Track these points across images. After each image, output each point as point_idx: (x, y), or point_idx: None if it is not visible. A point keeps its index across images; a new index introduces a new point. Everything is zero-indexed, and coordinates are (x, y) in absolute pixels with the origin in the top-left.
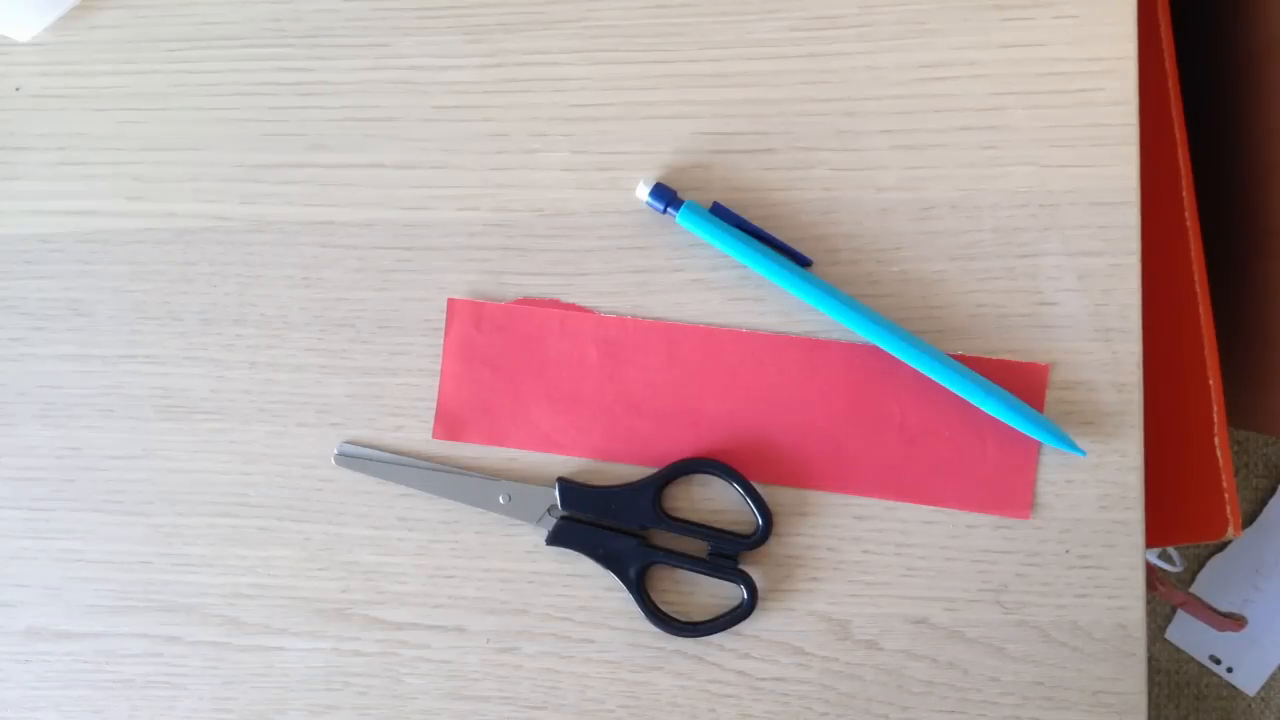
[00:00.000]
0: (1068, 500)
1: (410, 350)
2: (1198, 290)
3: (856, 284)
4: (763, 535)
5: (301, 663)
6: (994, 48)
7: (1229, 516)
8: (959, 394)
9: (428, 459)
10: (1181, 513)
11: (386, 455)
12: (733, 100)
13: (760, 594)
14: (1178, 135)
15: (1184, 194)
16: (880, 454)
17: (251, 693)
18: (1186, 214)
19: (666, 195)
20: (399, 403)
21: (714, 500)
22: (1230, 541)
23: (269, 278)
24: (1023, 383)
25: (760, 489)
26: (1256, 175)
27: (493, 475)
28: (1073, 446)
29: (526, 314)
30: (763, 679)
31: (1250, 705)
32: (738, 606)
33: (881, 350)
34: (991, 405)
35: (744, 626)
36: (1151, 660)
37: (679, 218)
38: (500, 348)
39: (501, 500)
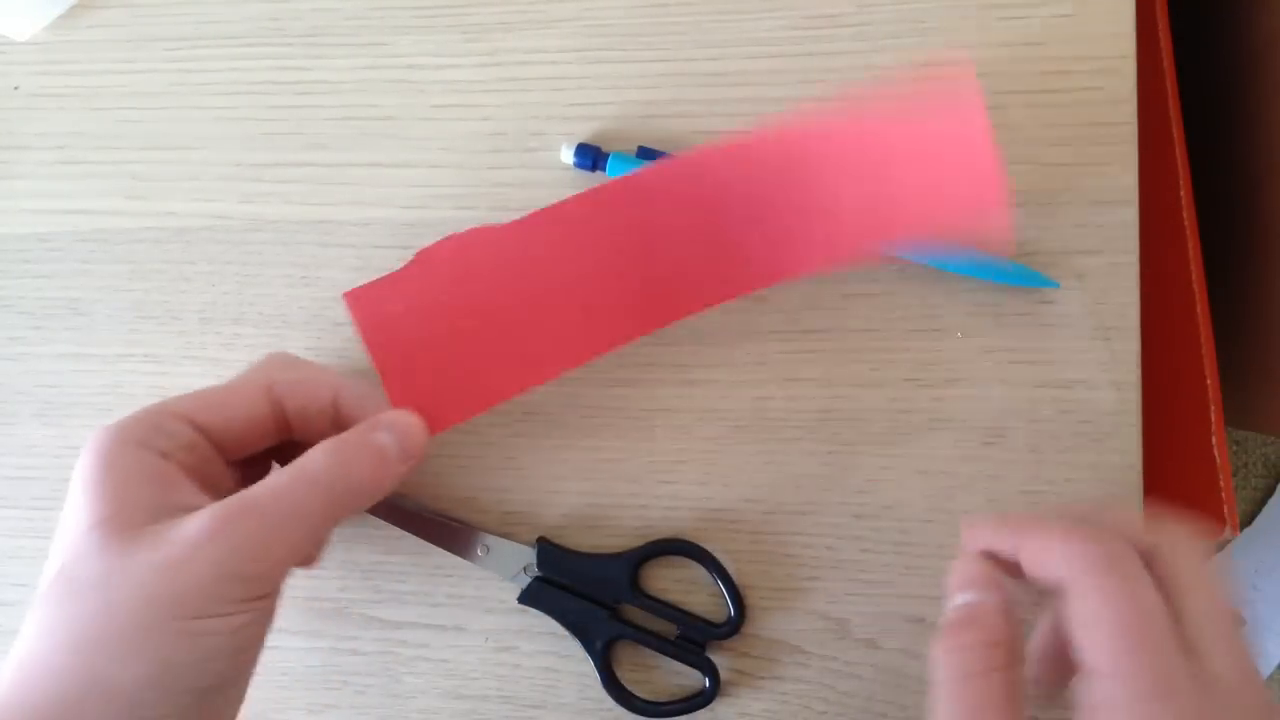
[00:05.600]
0: (1066, 499)
1: None
2: (1196, 290)
3: (855, 281)
4: (733, 626)
5: (300, 661)
6: (992, 46)
7: (1227, 516)
8: (928, 264)
9: (414, 498)
10: (1180, 512)
11: None
12: (732, 99)
13: (729, 671)
14: (1176, 134)
15: (1182, 193)
16: (849, 212)
17: (250, 691)
18: (1185, 213)
19: (591, 153)
20: None
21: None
22: (1228, 541)
23: (268, 277)
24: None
25: (736, 565)
26: (1256, 175)
27: (476, 526)
28: (1045, 280)
29: (432, 267)
30: (761, 678)
31: None
32: (699, 693)
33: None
34: (964, 264)
35: (743, 627)
36: None
37: (608, 170)
38: (423, 317)
39: (480, 552)
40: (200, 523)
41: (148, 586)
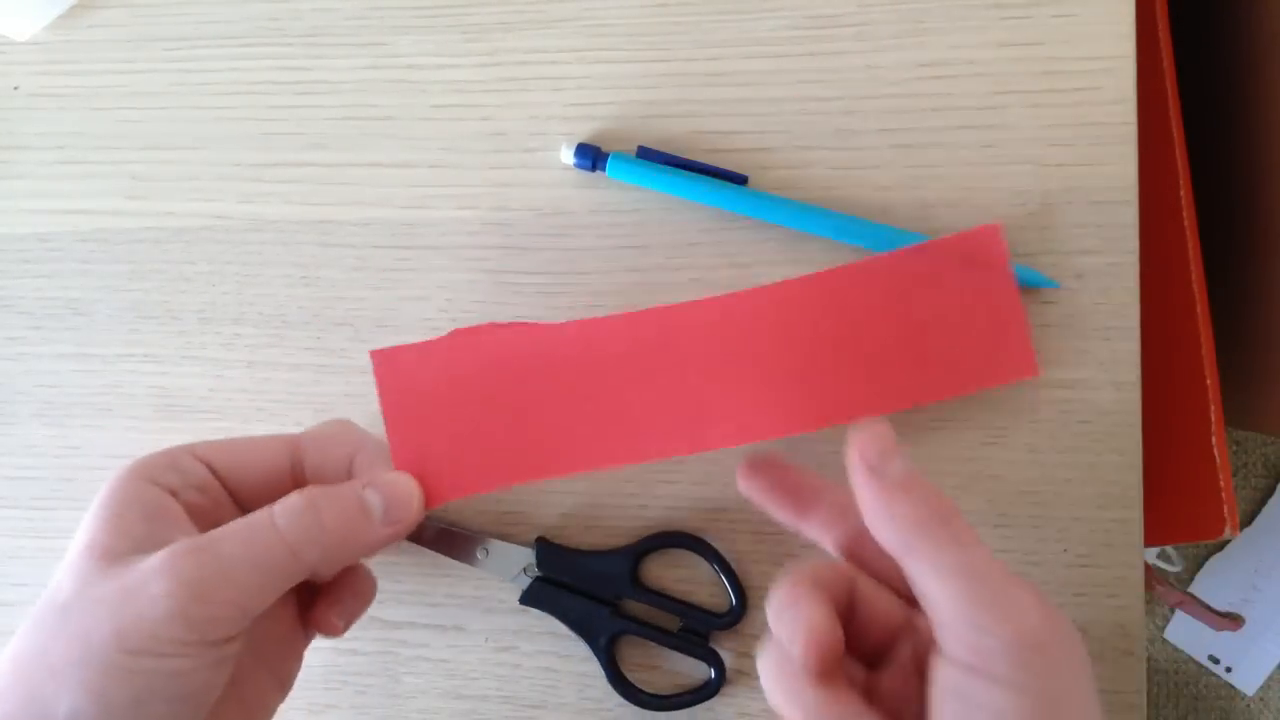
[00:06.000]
0: (1066, 499)
1: None
2: (1196, 289)
3: None
4: (736, 615)
5: None
6: (992, 46)
7: (1227, 516)
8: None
9: None
10: (1180, 512)
11: None
12: (731, 99)
13: (729, 671)
14: (1176, 134)
15: (1182, 193)
16: (870, 369)
17: None
18: (1185, 213)
19: (591, 152)
20: None
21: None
22: (1229, 541)
23: (267, 277)
24: (982, 250)
25: (738, 564)
26: (1255, 175)
27: (475, 530)
28: (1045, 280)
29: (465, 345)
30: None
31: (1249, 705)
32: (704, 685)
33: (825, 273)
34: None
35: (742, 625)
36: (1150, 660)
37: (608, 170)
38: (446, 389)
39: (479, 555)
40: (158, 558)
41: (97, 616)
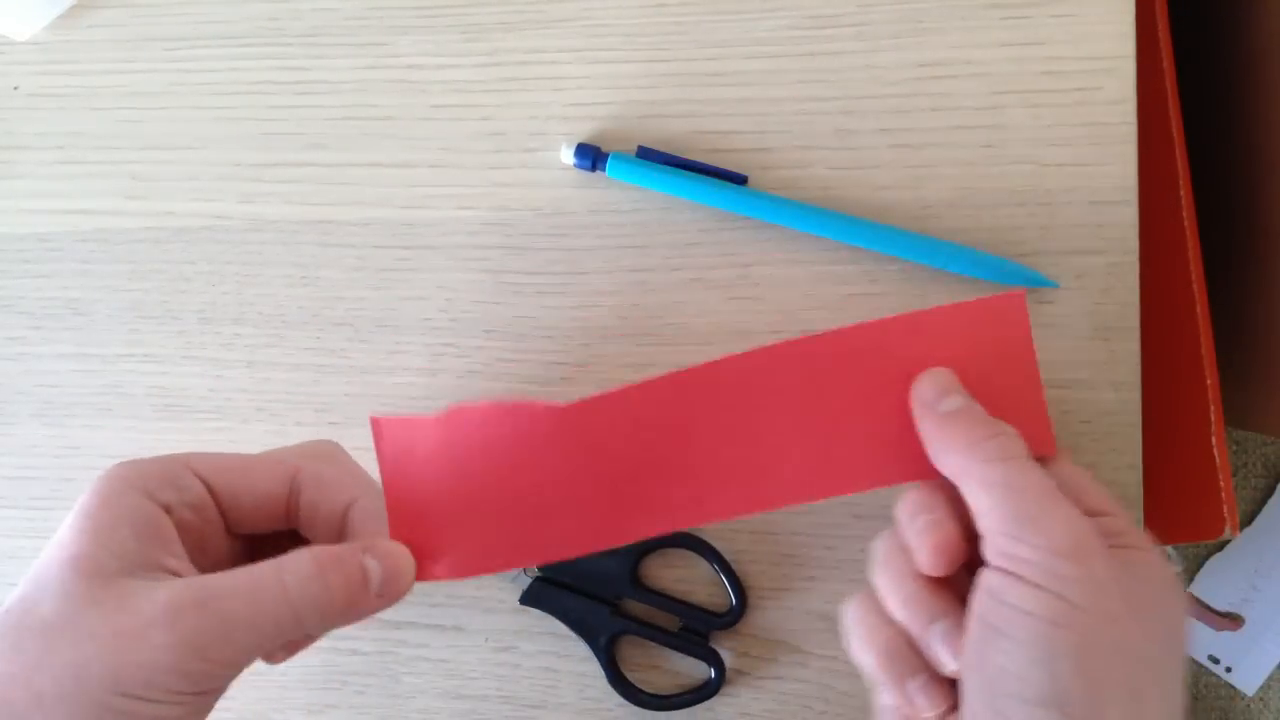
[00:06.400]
0: None
1: (408, 349)
2: (1196, 290)
3: (855, 281)
4: (736, 615)
5: (299, 661)
6: (992, 46)
7: (1227, 516)
8: (929, 264)
9: None
10: (1179, 512)
11: None
12: (731, 99)
13: (729, 671)
14: (1176, 134)
15: (1182, 193)
16: (878, 436)
17: (250, 692)
18: (1185, 213)
19: (591, 152)
20: (396, 402)
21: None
22: (1228, 541)
23: (267, 277)
24: (1002, 318)
25: (738, 564)
26: (1255, 175)
27: None
28: (1045, 280)
29: (466, 422)
30: (761, 677)
31: (1249, 705)
32: (704, 685)
33: (833, 333)
34: (965, 265)
35: (742, 625)
36: None
37: (608, 170)
38: (446, 464)
39: None
40: (159, 603)
41: (88, 653)
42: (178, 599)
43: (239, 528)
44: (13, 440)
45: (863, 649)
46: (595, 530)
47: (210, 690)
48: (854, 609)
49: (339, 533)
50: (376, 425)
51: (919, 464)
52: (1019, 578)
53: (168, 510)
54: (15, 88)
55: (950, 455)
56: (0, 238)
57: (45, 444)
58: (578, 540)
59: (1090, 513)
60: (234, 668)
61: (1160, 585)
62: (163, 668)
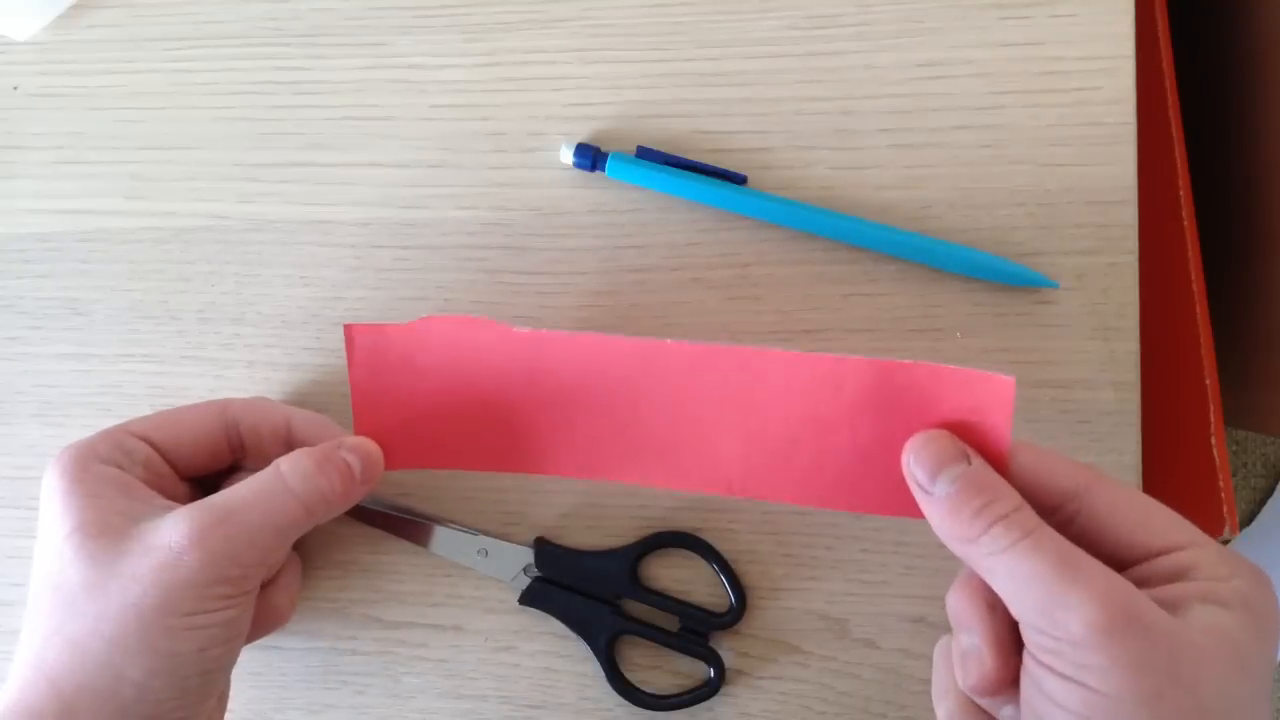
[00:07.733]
0: None
1: None
2: (1195, 289)
3: (854, 281)
4: (735, 615)
5: (299, 661)
6: (992, 46)
7: (1227, 516)
8: (928, 264)
9: (407, 505)
10: (1180, 512)
11: (369, 501)
12: (731, 99)
13: (729, 671)
14: (1175, 134)
15: (1181, 193)
16: (834, 463)
17: (249, 691)
18: (1184, 213)
19: (590, 152)
20: None
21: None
22: (1228, 541)
23: (267, 277)
24: (987, 400)
25: (738, 564)
26: (1254, 175)
27: (472, 529)
28: (1045, 280)
29: (436, 335)
30: (760, 677)
31: None
32: (704, 684)
33: (808, 356)
34: (965, 265)
35: (741, 625)
36: None
37: (608, 170)
38: (414, 372)
39: (478, 555)
40: (180, 530)
41: (138, 594)
42: (198, 522)
43: (190, 472)
44: (12, 440)
45: (937, 701)
46: (537, 454)
47: (252, 588)
48: (937, 656)
49: (286, 446)
50: (349, 330)
51: (866, 499)
52: (1049, 669)
53: (125, 471)
54: (15, 88)
55: (955, 545)
56: (0, 238)
57: (44, 444)
58: (519, 459)
59: (1138, 556)
60: (265, 566)
61: (1235, 627)
62: (206, 582)
